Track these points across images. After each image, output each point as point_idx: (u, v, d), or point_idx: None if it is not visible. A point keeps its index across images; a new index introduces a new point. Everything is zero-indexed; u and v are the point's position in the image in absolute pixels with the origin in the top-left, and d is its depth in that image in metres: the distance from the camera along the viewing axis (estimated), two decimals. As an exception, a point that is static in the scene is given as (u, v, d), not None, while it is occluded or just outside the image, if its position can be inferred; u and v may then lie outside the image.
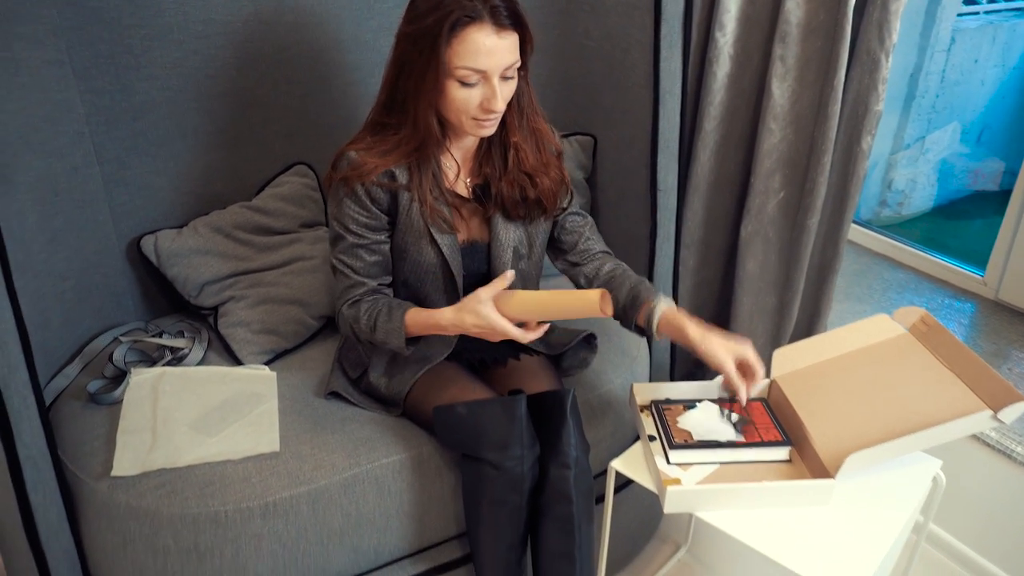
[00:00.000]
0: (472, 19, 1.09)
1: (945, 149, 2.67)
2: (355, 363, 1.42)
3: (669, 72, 1.48)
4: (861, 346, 1.39)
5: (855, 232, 2.40)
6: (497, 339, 1.18)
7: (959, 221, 2.74)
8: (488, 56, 1.11)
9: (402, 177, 1.22)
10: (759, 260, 1.75)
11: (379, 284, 1.28)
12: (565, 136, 1.80)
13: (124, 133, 1.47)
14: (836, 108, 1.54)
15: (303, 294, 1.53)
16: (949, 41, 2.53)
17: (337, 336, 1.54)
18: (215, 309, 1.53)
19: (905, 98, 2.60)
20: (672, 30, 1.44)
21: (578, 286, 1.39)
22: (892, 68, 1.51)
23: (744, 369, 1.22)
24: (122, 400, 1.32)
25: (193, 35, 1.47)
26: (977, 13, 2.67)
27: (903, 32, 1.56)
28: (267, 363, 1.48)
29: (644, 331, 1.28)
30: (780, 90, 1.61)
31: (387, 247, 1.28)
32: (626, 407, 1.52)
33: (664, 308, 1.25)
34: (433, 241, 1.26)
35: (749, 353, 1.22)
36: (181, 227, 1.56)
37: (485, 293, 1.16)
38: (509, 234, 1.32)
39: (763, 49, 1.65)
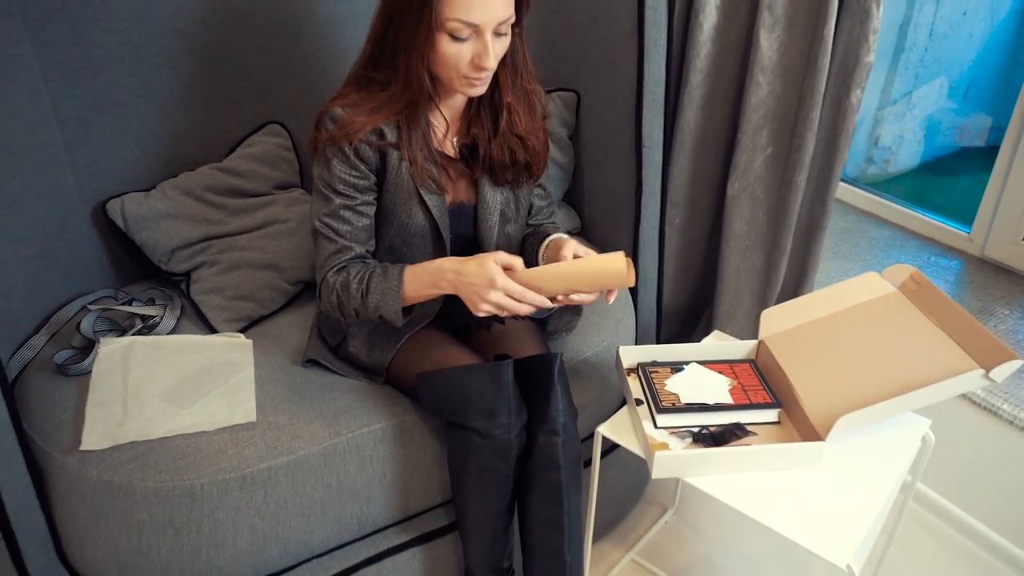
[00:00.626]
0: None
1: (932, 105, 2.63)
2: (334, 330, 1.37)
3: (654, 22, 1.42)
4: (850, 305, 1.36)
5: (842, 190, 2.37)
6: (489, 304, 1.10)
7: (945, 178, 2.71)
8: (482, 8, 1.06)
9: (391, 135, 1.17)
10: (746, 218, 1.72)
11: (365, 251, 1.24)
12: (548, 92, 1.74)
13: (84, 91, 1.39)
14: (826, 60, 1.49)
15: (279, 258, 1.48)
16: (938, -7, 2.48)
17: (315, 301, 1.49)
18: (187, 275, 1.48)
19: (893, 51, 2.55)
20: (659, -22, 1.38)
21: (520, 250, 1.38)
22: (881, 20, 1.47)
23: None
24: (91, 371, 1.27)
25: (155, -15, 1.39)
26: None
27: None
28: (242, 330, 1.43)
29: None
30: (768, 41, 1.56)
31: (374, 210, 1.23)
32: (612, 370, 1.49)
33: (556, 235, 1.29)
34: (422, 202, 1.21)
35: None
36: (149, 190, 1.49)
37: (499, 256, 1.11)
38: (496, 197, 1.28)
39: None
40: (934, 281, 2.00)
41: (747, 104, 1.61)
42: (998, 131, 2.65)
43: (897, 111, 2.64)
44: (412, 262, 1.24)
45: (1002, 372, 1.11)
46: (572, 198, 1.85)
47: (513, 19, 1.11)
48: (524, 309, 1.11)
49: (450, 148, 1.26)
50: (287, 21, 1.54)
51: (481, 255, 1.11)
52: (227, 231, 1.49)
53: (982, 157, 2.71)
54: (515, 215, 1.32)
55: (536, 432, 1.20)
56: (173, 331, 1.40)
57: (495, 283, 1.08)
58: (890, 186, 2.61)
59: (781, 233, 1.69)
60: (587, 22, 1.61)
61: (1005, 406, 1.53)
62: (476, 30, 1.08)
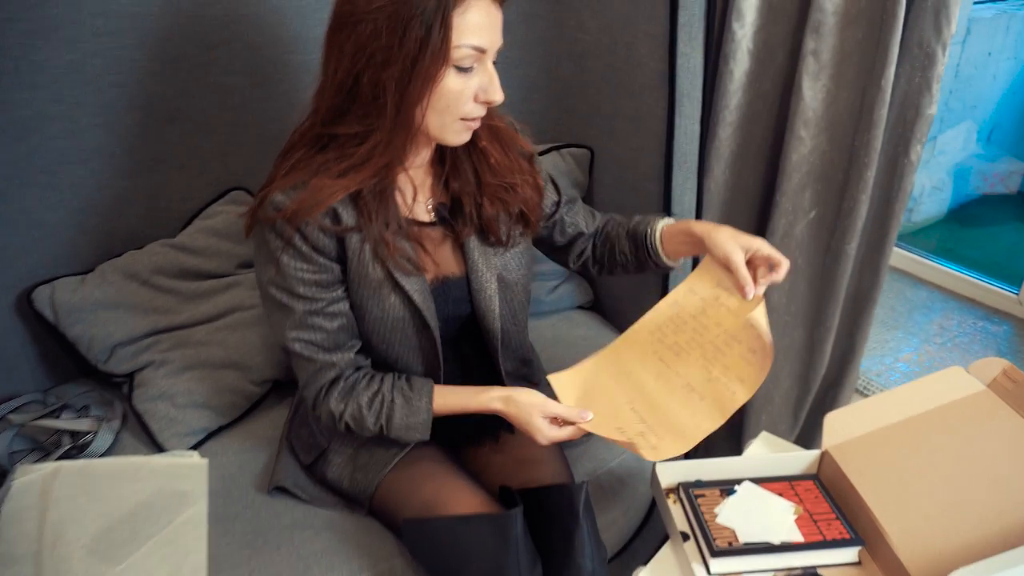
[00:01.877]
0: None
1: (960, 151, 2.45)
2: (308, 445, 1.13)
3: (688, 70, 1.21)
4: (932, 407, 1.14)
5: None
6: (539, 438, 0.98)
7: (974, 228, 2.52)
8: (489, 32, 0.87)
9: (347, 216, 0.93)
10: (785, 291, 1.50)
11: (354, 356, 1.01)
12: (557, 148, 1.52)
13: (5, 157, 1.16)
14: (883, 112, 1.28)
15: (242, 354, 1.24)
16: (965, 32, 2.31)
17: (286, 406, 1.24)
18: (130, 377, 1.23)
19: (918, 95, 2.37)
20: (692, 18, 1.18)
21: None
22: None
23: (759, 262, 1.01)
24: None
25: (90, 32, 1.17)
26: (991, 1, 2.45)
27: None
28: (196, 446, 1.19)
29: (657, 262, 1.13)
30: (812, 91, 1.35)
31: (347, 304, 0.99)
32: (640, 479, 1.25)
33: (664, 221, 1.11)
34: (398, 287, 0.97)
35: (763, 244, 1.01)
36: (85, 274, 1.26)
37: (547, 407, 0.98)
38: (490, 260, 1.05)
39: (790, 43, 1.39)
40: (984, 350, 1.80)
41: (787, 162, 1.40)
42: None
43: (923, 157, 2.46)
44: (395, 360, 1.02)
45: None
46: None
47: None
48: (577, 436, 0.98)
49: (423, 212, 1.03)
50: (252, 72, 1.32)
51: (528, 400, 0.97)
52: (180, 322, 1.24)
53: (1012, 205, 2.54)
54: (518, 276, 1.09)
55: None
56: (110, 450, 1.15)
57: (534, 426, 0.96)
58: (916, 239, 2.42)
59: (827, 308, 1.47)
60: (603, 71, 1.40)
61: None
62: (480, 57, 0.88)
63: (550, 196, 1.15)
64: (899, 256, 2.13)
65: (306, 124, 0.94)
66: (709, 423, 1.02)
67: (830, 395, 1.60)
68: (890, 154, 1.36)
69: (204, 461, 1.14)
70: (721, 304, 1.05)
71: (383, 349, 1.03)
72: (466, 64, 0.87)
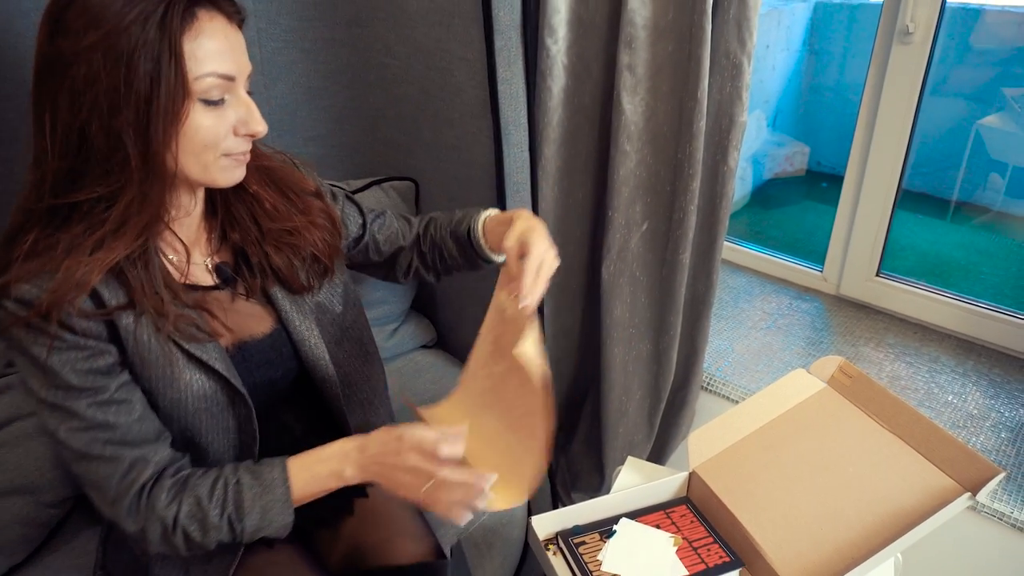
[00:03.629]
0: (198, 4, 0.72)
1: (755, 139, 2.61)
2: (130, 568, 0.95)
3: (511, 96, 1.15)
4: (782, 411, 1.17)
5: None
6: (413, 474, 0.81)
7: (774, 209, 2.71)
8: (233, 56, 0.75)
9: (112, 295, 0.78)
10: (627, 303, 1.49)
11: (171, 450, 0.84)
12: (378, 183, 1.40)
13: None
14: (702, 124, 1.30)
15: (27, 474, 1.02)
16: (746, 27, 2.46)
17: (94, 524, 1.04)
18: None
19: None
20: (509, 43, 1.11)
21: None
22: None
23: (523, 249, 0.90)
24: None
25: None
26: (763, -4, 2.63)
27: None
28: (-20, 599, 0.96)
29: (486, 259, 1.04)
30: (632, 105, 1.34)
31: (139, 390, 0.82)
32: (509, 526, 1.19)
33: (487, 213, 1.03)
34: (192, 359, 0.83)
35: (529, 232, 0.92)
36: None
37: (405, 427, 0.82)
38: (302, 306, 0.94)
39: (604, 57, 1.37)
40: (798, 325, 1.92)
41: (615, 176, 1.38)
42: (811, 157, 2.70)
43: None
44: (205, 449, 0.87)
45: (987, 491, 0.95)
46: (422, 306, 1.53)
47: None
48: (451, 462, 0.81)
49: (203, 274, 0.89)
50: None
51: (386, 436, 0.83)
52: (-64, 447, 1.00)
53: (799, 183, 2.75)
54: (338, 312, 0.99)
55: None
56: None
57: (402, 441, 0.81)
58: (728, 226, 2.56)
59: (668, 317, 1.48)
60: (417, 97, 1.30)
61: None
62: (230, 87, 0.76)
63: (354, 219, 1.05)
64: (715, 245, 2.23)
65: (31, 199, 0.76)
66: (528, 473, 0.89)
67: (679, 397, 1.63)
68: (710, 163, 1.38)
69: (-7, 620, 0.93)
70: (507, 320, 0.91)
71: (187, 438, 0.87)
72: (214, 96, 0.75)
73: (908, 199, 2.55)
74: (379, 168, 1.42)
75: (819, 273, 2.03)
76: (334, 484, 0.84)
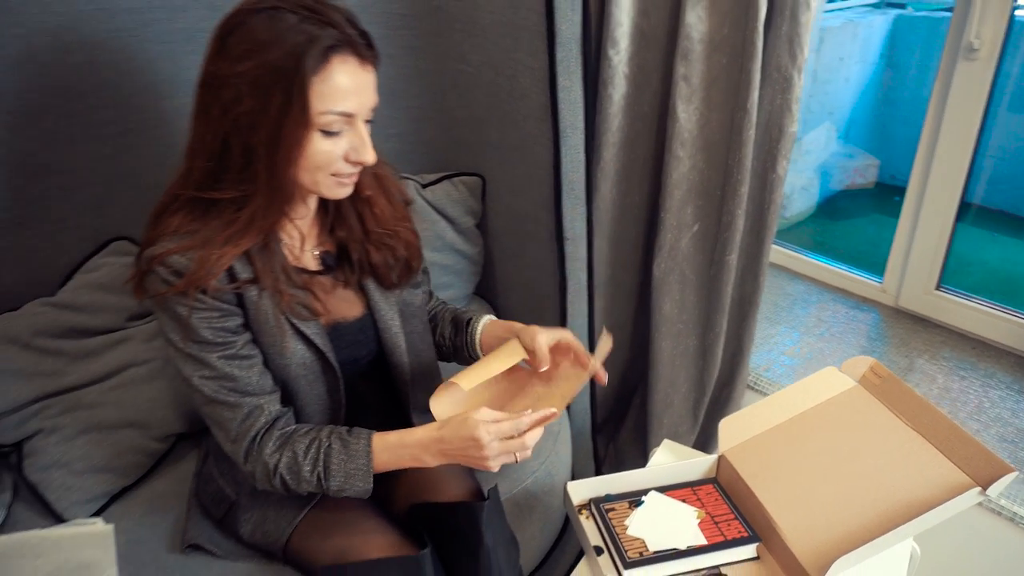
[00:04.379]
0: (334, 50, 0.84)
1: (823, 150, 2.64)
2: (217, 498, 1.11)
3: (570, 103, 1.26)
4: (812, 405, 1.23)
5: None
6: (492, 461, 0.93)
7: (840, 221, 2.72)
8: (357, 95, 0.88)
9: (243, 270, 0.93)
10: (676, 300, 1.58)
11: (280, 404, 1.00)
12: (448, 177, 1.54)
13: None
14: (751, 132, 1.38)
15: (140, 412, 1.19)
16: (819, 41, 2.49)
17: (193, 458, 1.21)
18: (18, 447, 1.17)
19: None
20: (569, 54, 1.22)
21: None
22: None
23: (562, 351, 1.08)
24: None
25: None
26: (838, 10, 2.65)
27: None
28: (99, 511, 1.14)
29: (471, 352, 1.18)
30: (686, 113, 1.43)
31: (257, 350, 0.98)
32: (553, 494, 1.30)
33: (489, 316, 1.18)
34: (298, 333, 0.98)
35: (568, 336, 1.08)
36: (-42, 342, 1.17)
37: (481, 412, 0.93)
38: (389, 299, 1.08)
39: (662, 69, 1.47)
40: (854, 335, 1.96)
41: (668, 180, 1.48)
42: (885, 170, 2.70)
43: (791, 157, 2.64)
44: (301, 408, 1.02)
45: (998, 487, 1.00)
46: (484, 291, 1.66)
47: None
48: (527, 448, 0.94)
49: (310, 261, 1.04)
50: (123, 120, 1.27)
51: (460, 415, 0.93)
52: (69, 384, 1.19)
53: (869, 196, 2.75)
54: (415, 309, 1.13)
55: None
56: (2, 527, 1.09)
57: (479, 439, 0.90)
58: (791, 235, 2.59)
59: (715, 315, 1.56)
60: (488, 102, 1.44)
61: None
62: (349, 120, 0.89)
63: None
64: (777, 252, 2.28)
65: (178, 184, 0.92)
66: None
67: (724, 393, 1.70)
68: (759, 170, 1.46)
69: (109, 527, 1.10)
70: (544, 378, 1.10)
71: (287, 398, 1.03)
72: (334, 129, 0.88)
73: (983, 216, 2.52)
74: (451, 164, 1.56)
75: (878, 284, 2.06)
76: (412, 465, 0.97)
